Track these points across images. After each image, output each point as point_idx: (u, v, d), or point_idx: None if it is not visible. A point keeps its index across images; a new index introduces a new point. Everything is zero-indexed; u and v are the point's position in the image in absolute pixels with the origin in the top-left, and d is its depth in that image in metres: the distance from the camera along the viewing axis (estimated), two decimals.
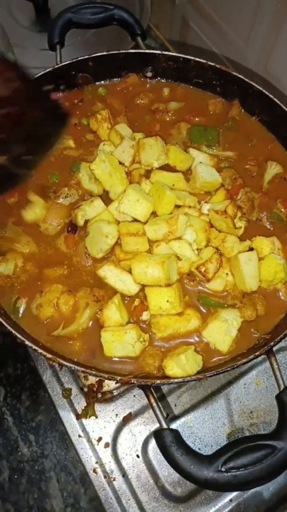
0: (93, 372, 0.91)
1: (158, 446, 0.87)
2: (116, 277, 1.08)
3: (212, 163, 1.27)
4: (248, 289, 1.10)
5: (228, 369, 0.93)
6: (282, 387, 0.92)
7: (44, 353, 0.91)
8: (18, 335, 0.94)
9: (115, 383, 0.94)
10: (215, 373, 0.93)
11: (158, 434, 0.87)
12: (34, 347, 0.92)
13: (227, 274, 1.11)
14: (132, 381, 0.91)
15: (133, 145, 1.22)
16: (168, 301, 1.04)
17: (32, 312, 1.07)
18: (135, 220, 1.14)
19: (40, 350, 0.92)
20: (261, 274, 1.11)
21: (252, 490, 1.22)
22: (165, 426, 0.88)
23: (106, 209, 1.15)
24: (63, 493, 1.33)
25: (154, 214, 1.16)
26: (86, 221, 1.15)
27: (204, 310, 1.10)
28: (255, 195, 1.25)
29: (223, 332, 1.05)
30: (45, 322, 1.06)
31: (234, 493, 1.21)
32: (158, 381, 0.91)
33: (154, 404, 0.91)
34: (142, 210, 1.12)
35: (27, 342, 0.92)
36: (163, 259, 1.04)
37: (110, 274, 1.08)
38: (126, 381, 0.90)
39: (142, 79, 1.42)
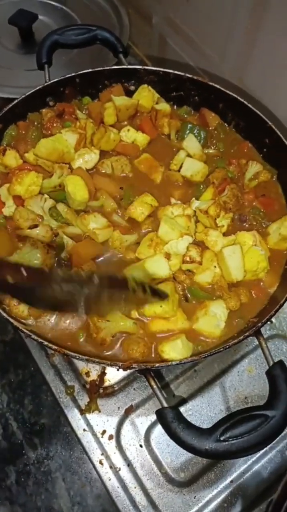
0: (97, 360, 0.98)
1: (160, 424, 0.94)
2: None
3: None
4: (234, 279, 1.19)
5: (221, 349, 1.01)
6: (271, 363, 1.00)
7: (50, 345, 0.98)
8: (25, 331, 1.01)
9: (117, 370, 1.00)
10: (209, 354, 1.00)
11: (160, 413, 0.94)
12: (40, 340, 0.98)
13: (215, 266, 1.20)
14: (133, 366, 0.97)
15: None
16: (161, 306, 1.11)
17: None
18: None
19: (46, 343, 0.98)
20: (245, 265, 1.20)
21: (251, 470, 1.29)
22: (165, 405, 0.95)
23: None
24: (69, 492, 1.37)
25: None
26: None
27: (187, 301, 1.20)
28: (238, 193, 1.35)
29: (213, 325, 1.14)
30: None
31: (234, 475, 1.28)
32: (157, 364, 0.99)
33: (155, 387, 0.98)
34: None
35: (33, 337, 0.99)
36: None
37: None
38: (127, 365, 0.97)
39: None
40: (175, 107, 1.58)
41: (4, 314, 1.01)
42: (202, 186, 1.36)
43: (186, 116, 1.56)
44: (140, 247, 1.22)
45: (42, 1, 2.06)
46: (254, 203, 1.35)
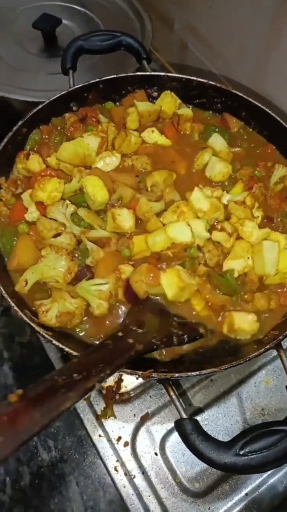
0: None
1: (179, 435, 0.93)
2: None
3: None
4: (266, 273, 1.17)
5: (241, 362, 1.00)
6: None
7: (71, 351, 0.98)
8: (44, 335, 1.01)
9: (137, 378, 1.00)
10: (230, 366, 0.99)
11: (179, 423, 0.93)
12: (61, 346, 0.99)
13: (248, 258, 1.19)
14: (152, 376, 0.97)
15: None
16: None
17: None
18: None
19: (67, 349, 0.99)
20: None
21: (267, 484, 1.27)
22: (184, 416, 0.94)
23: None
24: (83, 496, 1.37)
25: None
26: None
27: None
28: (266, 192, 1.35)
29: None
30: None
31: (249, 487, 1.27)
32: (177, 374, 0.98)
33: (173, 397, 0.98)
34: None
35: (54, 342, 0.99)
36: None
37: None
38: (147, 375, 0.97)
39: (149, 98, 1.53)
40: (199, 109, 1.57)
41: (26, 319, 1.02)
42: (227, 182, 1.37)
43: (209, 118, 1.56)
44: (166, 212, 1.23)
45: (66, 6, 2.08)
46: (283, 205, 1.34)
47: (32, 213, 1.22)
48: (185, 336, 1.08)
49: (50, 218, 1.21)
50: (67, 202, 1.24)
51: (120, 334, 0.98)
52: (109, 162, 1.34)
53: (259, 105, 1.44)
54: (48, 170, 1.29)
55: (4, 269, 1.17)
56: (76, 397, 0.73)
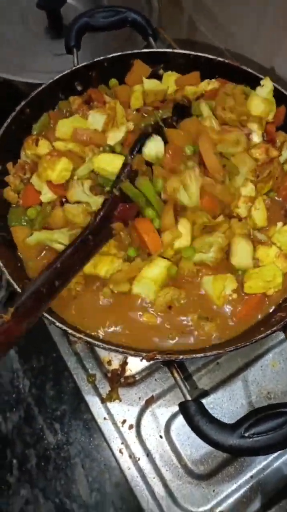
0: (120, 350, 0.97)
1: (183, 417, 0.92)
2: None
3: None
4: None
5: (247, 343, 0.98)
6: None
7: (74, 333, 0.97)
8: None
9: (141, 360, 0.99)
10: (234, 348, 0.98)
11: (183, 405, 0.92)
12: (64, 327, 0.98)
13: None
14: (157, 357, 0.96)
15: None
16: None
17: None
18: None
19: (70, 331, 0.98)
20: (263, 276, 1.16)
21: (272, 466, 1.26)
22: (189, 398, 0.93)
23: None
24: (88, 478, 1.38)
25: None
26: None
27: None
28: None
29: None
30: None
31: (254, 470, 1.26)
32: (181, 356, 0.97)
33: (178, 378, 0.97)
34: None
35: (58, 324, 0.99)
36: None
37: None
38: (151, 357, 0.96)
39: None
40: None
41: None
42: None
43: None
44: None
45: None
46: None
47: (47, 194, 1.19)
48: None
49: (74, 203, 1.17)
50: (80, 180, 1.19)
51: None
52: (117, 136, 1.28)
53: (269, 80, 1.39)
54: (55, 152, 1.24)
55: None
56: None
